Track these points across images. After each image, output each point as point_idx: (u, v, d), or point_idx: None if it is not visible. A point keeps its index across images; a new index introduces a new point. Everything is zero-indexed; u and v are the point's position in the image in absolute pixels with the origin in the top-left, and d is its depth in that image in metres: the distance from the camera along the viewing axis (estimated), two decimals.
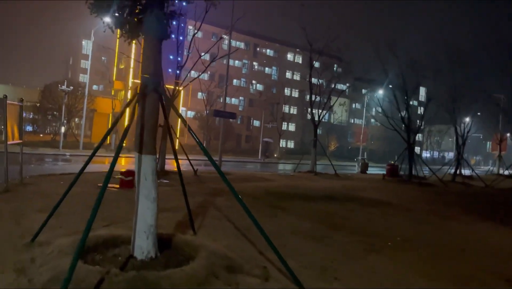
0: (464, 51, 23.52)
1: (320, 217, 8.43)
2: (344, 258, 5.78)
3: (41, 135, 43.26)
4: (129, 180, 10.82)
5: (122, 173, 10.78)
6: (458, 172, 25.90)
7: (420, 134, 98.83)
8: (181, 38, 53.47)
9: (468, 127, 27.29)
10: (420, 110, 27.48)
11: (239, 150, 53.78)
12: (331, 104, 22.55)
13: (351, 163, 49.18)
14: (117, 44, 49.43)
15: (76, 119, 45.86)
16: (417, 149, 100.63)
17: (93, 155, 5.40)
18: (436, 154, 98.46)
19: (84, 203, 8.29)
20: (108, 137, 47.00)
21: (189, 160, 16.15)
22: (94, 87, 72.99)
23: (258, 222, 5.04)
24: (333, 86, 23.08)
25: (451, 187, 19.09)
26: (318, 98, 22.10)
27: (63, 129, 27.88)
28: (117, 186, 11.30)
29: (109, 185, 11.58)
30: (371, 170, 28.18)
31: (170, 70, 50.61)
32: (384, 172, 22.69)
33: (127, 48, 47.56)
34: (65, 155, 24.33)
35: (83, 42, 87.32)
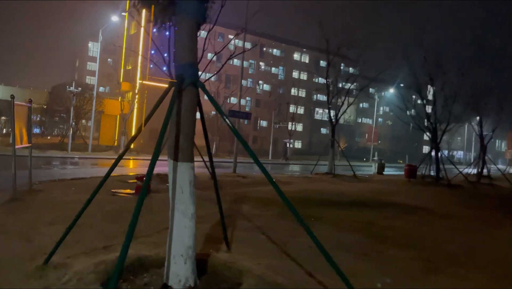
0: (490, 48, 22.36)
1: (360, 227, 7.61)
2: (405, 279, 4.97)
3: (48, 137, 42.77)
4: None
5: (138, 178, 10.02)
6: (477, 171, 24.91)
7: (428, 134, 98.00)
8: None
9: (488, 125, 26.29)
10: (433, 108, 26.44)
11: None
12: (350, 103, 21.65)
13: (362, 163, 48.21)
14: (124, 45, 48.96)
15: (83, 121, 45.39)
16: (425, 148, 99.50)
17: (119, 158, 4.63)
18: (445, 153, 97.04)
19: (101, 213, 7.53)
20: (116, 139, 46.46)
21: (205, 162, 15.35)
22: (101, 89, 72.57)
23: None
24: (349, 85, 22.12)
25: (480, 188, 18.17)
26: (333, 99, 21.20)
27: (71, 131, 27.25)
28: (132, 192, 10.56)
29: (123, 191, 10.85)
30: (386, 170, 27.25)
31: None
32: (401, 173, 21.86)
33: (134, 49, 47.04)
34: (74, 157, 23.67)
35: (89, 44, 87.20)
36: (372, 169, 26.23)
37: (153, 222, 7.13)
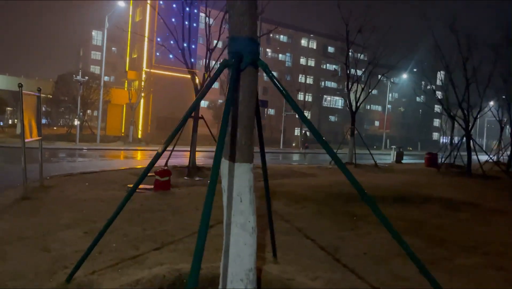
0: None
1: (410, 228, 6.82)
2: None
3: (54, 128, 42.14)
4: (165, 181, 9.30)
5: (157, 173, 9.24)
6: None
7: (438, 120, 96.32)
8: (194, 25, 51.41)
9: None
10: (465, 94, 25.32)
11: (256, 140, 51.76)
12: (371, 88, 20.66)
13: (376, 151, 47.24)
14: (129, 32, 47.97)
15: (89, 111, 44.62)
16: (435, 135, 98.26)
17: (164, 150, 3.80)
18: (455, 139, 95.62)
19: (121, 214, 6.76)
20: (123, 129, 45.78)
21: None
22: (106, 78, 71.94)
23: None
24: (367, 70, 20.98)
25: None
26: (352, 84, 20.18)
27: (78, 122, 26.51)
28: (150, 187, 9.81)
29: (140, 187, 10.10)
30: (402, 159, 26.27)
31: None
32: (418, 161, 20.98)
33: (139, 37, 46.06)
34: (82, 149, 22.97)
35: (93, 32, 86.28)
36: (390, 157, 25.38)
37: (180, 223, 6.39)
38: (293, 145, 53.41)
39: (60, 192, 8.55)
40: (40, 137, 9.17)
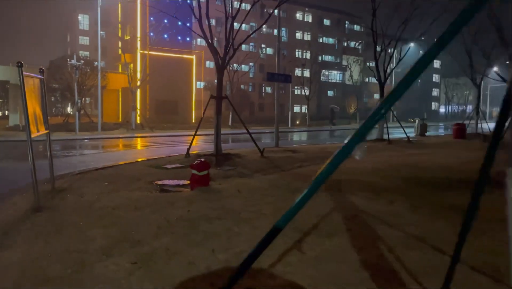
0: None
1: None
2: None
3: (48, 117, 39.97)
4: (204, 176, 7.63)
5: (194, 166, 7.54)
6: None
7: (437, 89, 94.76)
8: (188, 1, 48.84)
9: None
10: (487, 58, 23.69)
11: (253, 119, 49.89)
12: (400, 58, 18.78)
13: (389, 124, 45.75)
14: (119, 14, 45.43)
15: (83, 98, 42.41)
16: (434, 105, 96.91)
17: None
18: (455, 108, 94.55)
19: (167, 225, 5.12)
20: (120, 115, 43.70)
21: (250, 135, 12.86)
22: (96, 63, 69.36)
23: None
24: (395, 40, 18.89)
25: None
26: (381, 52, 18.29)
27: (74, 110, 24.50)
28: (185, 183, 8.16)
29: (170, 183, 8.44)
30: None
31: (180, 37, 46.87)
32: (439, 133, 19.47)
33: (131, 18, 43.63)
34: (84, 139, 21.15)
35: (79, 17, 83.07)
36: (414, 130, 23.82)
37: (254, 236, 4.74)
38: (297, 122, 51.64)
39: (78, 197, 6.86)
40: (48, 131, 7.43)
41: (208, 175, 7.73)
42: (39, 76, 7.00)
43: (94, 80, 30.15)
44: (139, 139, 22.36)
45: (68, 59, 25.77)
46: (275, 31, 70.26)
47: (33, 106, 6.44)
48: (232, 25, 11.97)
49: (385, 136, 17.67)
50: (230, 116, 37.68)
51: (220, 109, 11.91)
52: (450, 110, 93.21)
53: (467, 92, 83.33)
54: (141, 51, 40.91)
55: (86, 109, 37.95)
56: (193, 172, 7.62)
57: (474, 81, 23.77)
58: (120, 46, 45.94)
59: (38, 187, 6.28)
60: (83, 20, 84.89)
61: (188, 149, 12.06)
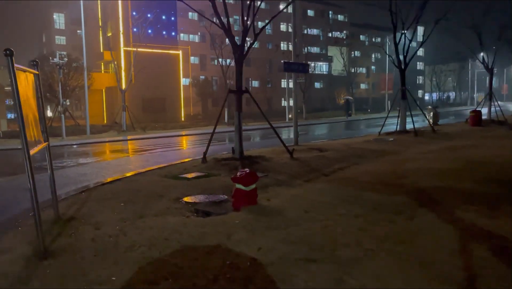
0: None
1: None
2: None
3: None
4: (252, 191, 6.01)
5: (239, 179, 5.89)
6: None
7: (421, 77, 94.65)
8: None
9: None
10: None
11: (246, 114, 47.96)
12: (423, 41, 17.19)
13: (376, 115, 44.65)
14: (99, 10, 43.02)
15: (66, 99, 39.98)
16: (420, 92, 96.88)
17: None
18: (438, 95, 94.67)
19: (235, 275, 3.48)
20: (105, 116, 41.48)
21: (277, 134, 11.22)
22: (75, 64, 66.49)
23: None
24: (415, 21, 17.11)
25: None
26: (402, 35, 16.62)
27: (61, 112, 22.35)
28: (219, 198, 6.55)
29: (203, 199, 6.78)
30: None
31: (165, 32, 44.72)
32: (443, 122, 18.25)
33: (112, 14, 41.27)
34: (73, 145, 19.14)
35: (54, 16, 79.94)
36: (428, 118, 22.46)
37: None
38: (289, 116, 50.11)
39: (94, 230, 5.15)
40: (46, 143, 5.69)
41: (256, 189, 6.09)
42: (34, 71, 5.24)
43: (78, 80, 27.97)
44: (134, 142, 20.46)
45: (51, 58, 23.57)
46: (259, 23, 68.76)
47: (27, 110, 4.69)
48: (252, 4, 10.28)
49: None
50: (226, 113, 35.92)
51: (240, 105, 10.25)
52: (434, 98, 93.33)
53: (450, 78, 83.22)
54: (125, 48, 38.74)
55: (69, 111, 35.58)
56: (238, 186, 5.96)
57: (486, 65, 22.60)
58: (101, 43, 43.59)
59: (41, 220, 4.55)
60: (59, 19, 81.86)
61: (205, 153, 10.36)
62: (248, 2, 10.36)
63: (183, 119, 42.93)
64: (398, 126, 16.38)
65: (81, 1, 23.47)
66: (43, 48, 78.32)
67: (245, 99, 51.57)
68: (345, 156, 10.72)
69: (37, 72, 5.37)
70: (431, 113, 21.61)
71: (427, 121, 20.32)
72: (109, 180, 8.73)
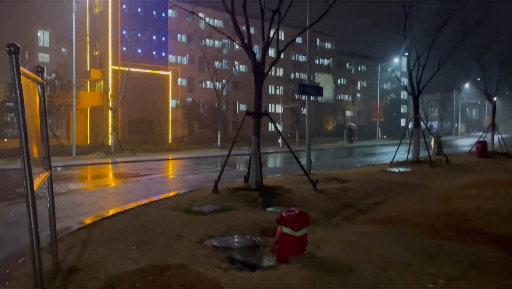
0: None
1: None
2: None
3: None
4: (302, 238, 4.89)
5: (286, 220, 4.74)
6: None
7: (405, 106, 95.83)
8: (163, 15, 45.67)
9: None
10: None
11: (227, 138, 46.75)
12: (438, 67, 16.50)
13: (378, 142, 44.04)
14: (88, 27, 41.87)
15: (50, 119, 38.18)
16: (402, 121, 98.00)
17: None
18: (425, 124, 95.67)
19: None
20: (88, 136, 39.80)
21: (299, 163, 10.10)
22: (59, 81, 64.65)
23: None
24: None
25: None
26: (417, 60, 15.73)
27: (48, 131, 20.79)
28: (256, 240, 5.37)
29: (233, 244, 5.54)
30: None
31: (155, 52, 43.72)
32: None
33: (100, 32, 40.14)
34: (57, 167, 17.61)
35: (38, 33, 78.56)
36: (432, 148, 21.76)
37: None
38: (279, 141, 49.25)
39: (108, 287, 3.89)
40: (48, 172, 4.46)
41: (306, 235, 4.93)
42: (39, 79, 4.07)
43: (64, 98, 26.48)
44: (125, 165, 19.04)
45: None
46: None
47: (31, 127, 3.49)
48: (277, 18, 9.37)
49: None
50: (219, 136, 34.78)
51: (259, 129, 9.15)
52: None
53: (431, 108, 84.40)
54: (113, 67, 37.53)
55: (53, 130, 33.83)
56: (285, 230, 4.80)
57: (488, 95, 22.23)
58: (88, 61, 42.21)
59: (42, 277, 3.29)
60: (43, 37, 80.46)
61: (216, 182, 9.17)
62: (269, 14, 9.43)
63: (170, 141, 41.59)
64: (408, 155, 15.50)
65: (73, 16, 22.31)
66: (25, 65, 76.28)
67: (232, 123, 50.78)
68: (371, 188, 9.68)
69: (42, 81, 4.20)
70: (433, 142, 20.94)
71: (431, 150, 19.59)
72: (110, 212, 7.43)
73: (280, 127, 67.81)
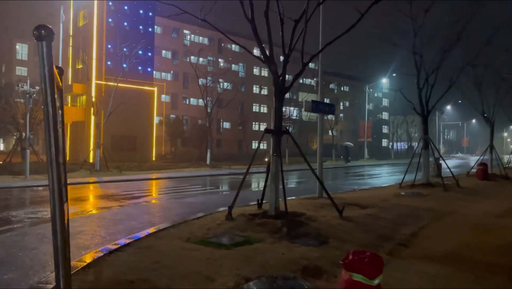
0: None
1: None
2: None
3: None
4: (377, 287, 3.93)
5: (357, 265, 3.82)
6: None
7: (386, 126, 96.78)
8: (150, 29, 44.71)
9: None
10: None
11: (212, 157, 45.65)
12: (451, 83, 15.88)
13: (366, 162, 43.61)
14: (70, 43, 40.52)
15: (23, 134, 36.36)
16: (384, 142, 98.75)
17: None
18: (403, 145, 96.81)
19: None
20: (68, 152, 38.20)
21: (321, 183, 9.21)
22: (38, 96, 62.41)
23: None
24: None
25: None
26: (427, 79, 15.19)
27: (27, 146, 19.37)
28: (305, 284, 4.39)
29: None
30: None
31: (140, 68, 42.62)
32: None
33: (84, 46, 38.89)
34: (38, 187, 16.26)
35: (17, 46, 76.42)
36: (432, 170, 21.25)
37: None
38: (266, 160, 48.44)
39: None
40: (66, 203, 3.42)
41: (381, 285, 4.01)
42: (58, 86, 3.10)
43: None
44: (114, 185, 17.77)
45: (20, 85, 20.72)
46: (233, 65, 68.40)
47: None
48: (294, 29, 8.60)
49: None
50: (208, 154, 33.68)
51: (279, 148, 8.25)
52: (398, 148, 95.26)
53: (411, 129, 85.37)
54: (97, 81, 36.23)
55: (32, 146, 32.07)
56: (356, 277, 3.87)
57: (486, 117, 22.00)
58: (70, 75, 40.75)
59: None
60: (22, 50, 78.33)
61: (231, 208, 8.18)
62: (293, 24, 8.68)
63: (154, 158, 40.21)
64: (416, 177, 14.76)
65: (61, 28, 21.18)
66: (2, 79, 73.91)
67: (216, 141, 49.55)
68: (397, 215, 8.86)
69: (61, 87, 3.23)
70: (435, 164, 20.47)
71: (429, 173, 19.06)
72: (114, 245, 6.33)
73: (264, 145, 67.21)
